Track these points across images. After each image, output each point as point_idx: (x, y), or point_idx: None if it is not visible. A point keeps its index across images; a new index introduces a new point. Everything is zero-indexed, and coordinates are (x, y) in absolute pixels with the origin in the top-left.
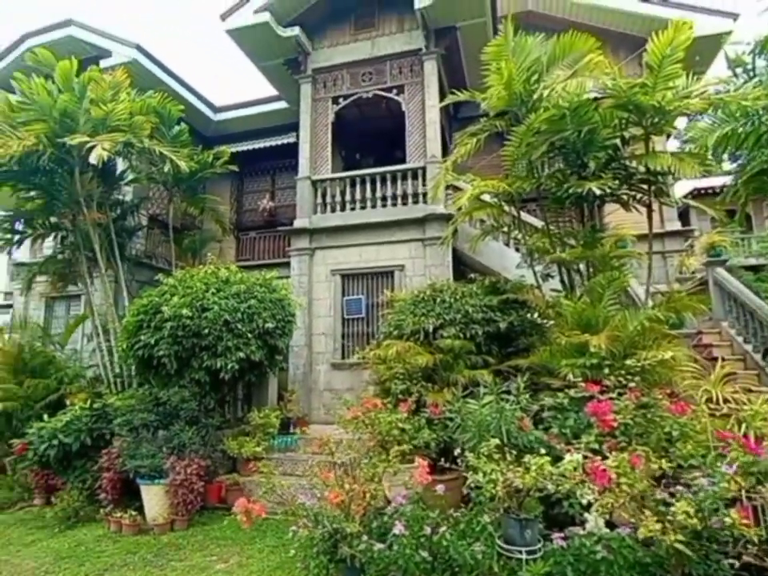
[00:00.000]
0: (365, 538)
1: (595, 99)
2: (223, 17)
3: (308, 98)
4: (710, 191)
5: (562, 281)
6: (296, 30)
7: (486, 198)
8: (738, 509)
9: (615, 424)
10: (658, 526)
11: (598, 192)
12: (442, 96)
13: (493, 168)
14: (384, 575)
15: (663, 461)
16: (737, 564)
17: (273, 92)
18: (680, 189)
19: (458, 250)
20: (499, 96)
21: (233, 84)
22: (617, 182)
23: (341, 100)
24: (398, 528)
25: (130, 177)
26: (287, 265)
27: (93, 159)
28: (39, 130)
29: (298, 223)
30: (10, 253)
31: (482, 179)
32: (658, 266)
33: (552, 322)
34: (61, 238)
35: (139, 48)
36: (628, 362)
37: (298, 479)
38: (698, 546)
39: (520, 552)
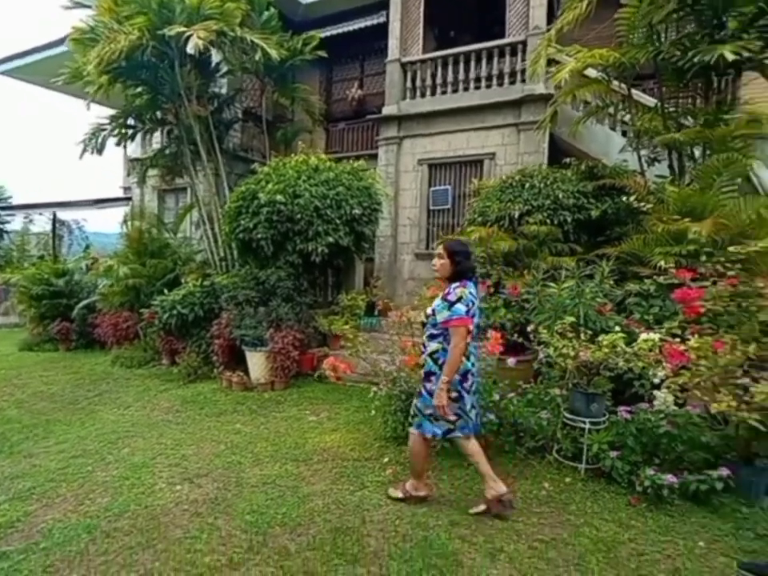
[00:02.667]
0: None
1: None
2: None
3: None
4: None
5: (670, 166)
6: None
7: (593, 73)
8: None
9: (702, 310)
10: (733, 403)
11: (731, 57)
12: None
13: (604, 41)
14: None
15: (753, 346)
16: None
17: None
18: None
19: (556, 135)
20: None
21: None
22: (759, 43)
23: None
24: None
25: (225, 68)
26: (375, 157)
27: (190, 49)
28: (141, 23)
29: (386, 110)
30: (125, 148)
31: (591, 48)
32: None
33: (651, 210)
34: (167, 133)
35: None
36: (730, 248)
37: (380, 354)
38: None
39: (584, 422)
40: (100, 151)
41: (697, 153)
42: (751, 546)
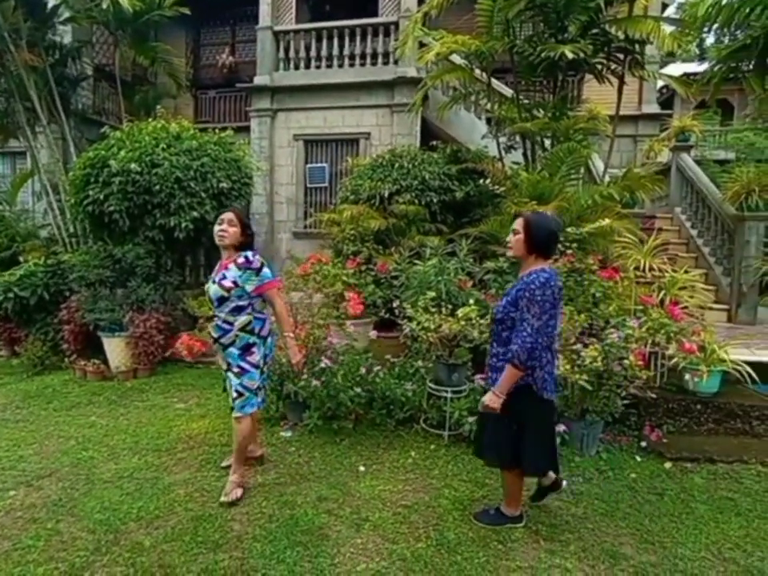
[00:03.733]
0: (305, 376)
1: None
2: None
3: None
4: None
5: (524, 154)
6: None
7: (459, 60)
8: (635, 354)
9: None
10: (568, 367)
11: (570, 56)
12: None
13: (470, 30)
14: (322, 408)
15: (582, 316)
16: (625, 402)
17: None
18: (668, 72)
19: (428, 120)
20: None
21: None
22: (591, 47)
23: None
24: (325, 362)
25: (65, 14)
26: (248, 129)
27: None
28: None
29: (258, 80)
30: None
31: (455, 34)
32: (628, 149)
33: (507, 193)
34: None
35: None
36: (568, 229)
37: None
38: (598, 385)
39: (447, 392)
40: None
41: (547, 142)
42: (580, 489)
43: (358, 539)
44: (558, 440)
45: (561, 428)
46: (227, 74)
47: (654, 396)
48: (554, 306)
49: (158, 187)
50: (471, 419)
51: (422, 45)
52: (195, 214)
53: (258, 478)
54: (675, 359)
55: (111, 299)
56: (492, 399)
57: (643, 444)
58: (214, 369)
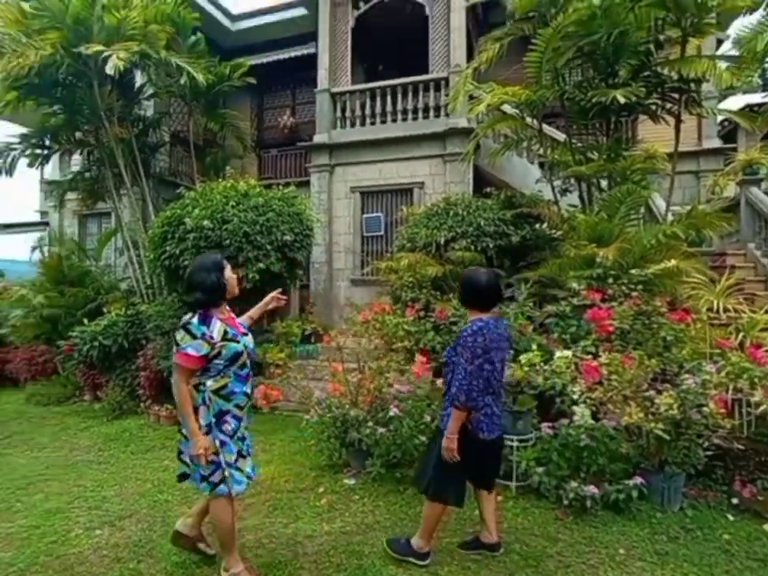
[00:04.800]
0: (370, 423)
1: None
2: None
3: (327, 3)
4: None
5: (580, 196)
6: None
7: (509, 109)
8: (715, 400)
9: (612, 329)
10: (641, 415)
11: (622, 100)
12: None
13: (519, 80)
14: (387, 456)
15: (654, 361)
16: (709, 453)
17: None
18: (731, 104)
19: (480, 167)
20: None
21: None
22: (643, 90)
23: (361, 4)
24: (394, 410)
25: (149, 91)
26: (308, 183)
27: (109, 70)
28: (54, 38)
29: (317, 138)
30: (42, 171)
31: (506, 86)
32: (690, 186)
33: (565, 237)
34: (87, 154)
35: None
36: (632, 271)
37: (317, 383)
38: (676, 434)
39: (512, 440)
40: (10, 172)
41: (603, 183)
42: (665, 548)
43: None
44: (636, 493)
45: (637, 480)
46: (288, 134)
47: (742, 447)
48: (486, 352)
49: (228, 241)
50: (540, 469)
51: (471, 96)
52: (261, 265)
53: (325, 527)
54: (763, 406)
55: None
56: (446, 441)
57: (734, 501)
58: (277, 414)
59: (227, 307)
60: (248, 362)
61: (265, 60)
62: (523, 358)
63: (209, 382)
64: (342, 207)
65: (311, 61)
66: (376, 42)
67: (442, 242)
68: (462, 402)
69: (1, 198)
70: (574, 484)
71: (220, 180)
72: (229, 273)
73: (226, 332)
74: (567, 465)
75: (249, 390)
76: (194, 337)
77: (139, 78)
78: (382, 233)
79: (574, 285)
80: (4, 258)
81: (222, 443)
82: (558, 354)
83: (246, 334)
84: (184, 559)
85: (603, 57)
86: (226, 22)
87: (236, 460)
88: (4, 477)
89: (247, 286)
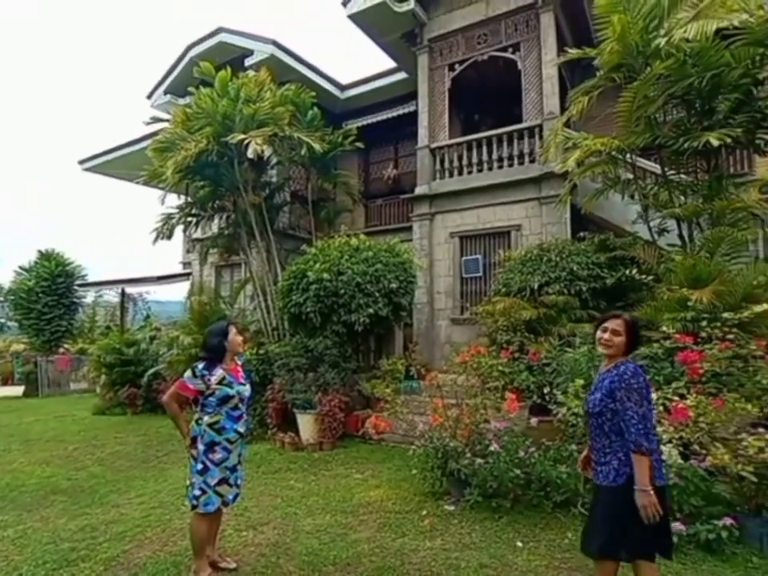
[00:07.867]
0: (468, 455)
1: (723, 38)
2: (344, 3)
3: (425, 68)
4: None
5: (680, 235)
6: (411, 4)
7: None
8: None
9: (702, 371)
10: (727, 457)
11: (716, 143)
12: (562, 46)
13: (612, 121)
14: (484, 486)
15: (750, 405)
16: None
17: (393, 64)
18: None
19: (577, 206)
20: (611, 51)
21: (356, 62)
22: (740, 129)
23: (456, 66)
24: (494, 446)
25: (275, 161)
26: (410, 228)
27: (250, 154)
28: (208, 132)
29: (418, 190)
30: (187, 231)
31: (596, 136)
32: None
33: (662, 278)
34: (225, 218)
35: (275, 43)
36: (725, 314)
37: (420, 417)
38: None
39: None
40: (170, 237)
41: (704, 222)
42: None
43: None
44: (725, 534)
45: (726, 521)
46: (392, 184)
47: None
48: (648, 393)
49: (342, 291)
50: None
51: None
52: (370, 310)
53: (427, 543)
54: None
55: (304, 382)
56: (643, 497)
57: None
58: (384, 445)
59: (237, 360)
60: (240, 404)
61: (370, 120)
62: None
63: (205, 418)
64: (442, 251)
65: (412, 117)
66: (471, 94)
67: (536, 286)
68: (647, 447)
69: (152, 251)
70: None
71: (334, 233)
72: (233, 336)
73: (224, 378)
74: None
75: (241, 429)
76: (195, 375)
77: (267, 152)
78: (480, 274)
79: (665, 328)
80: (157, 300)
81: (206, 468)
82: None
83: (243, 384)
84: (312, 559)
85: (699, 96)
86: (336, 92)
87: (217, 484)
88: (170, 486)
89: (359, 328)
